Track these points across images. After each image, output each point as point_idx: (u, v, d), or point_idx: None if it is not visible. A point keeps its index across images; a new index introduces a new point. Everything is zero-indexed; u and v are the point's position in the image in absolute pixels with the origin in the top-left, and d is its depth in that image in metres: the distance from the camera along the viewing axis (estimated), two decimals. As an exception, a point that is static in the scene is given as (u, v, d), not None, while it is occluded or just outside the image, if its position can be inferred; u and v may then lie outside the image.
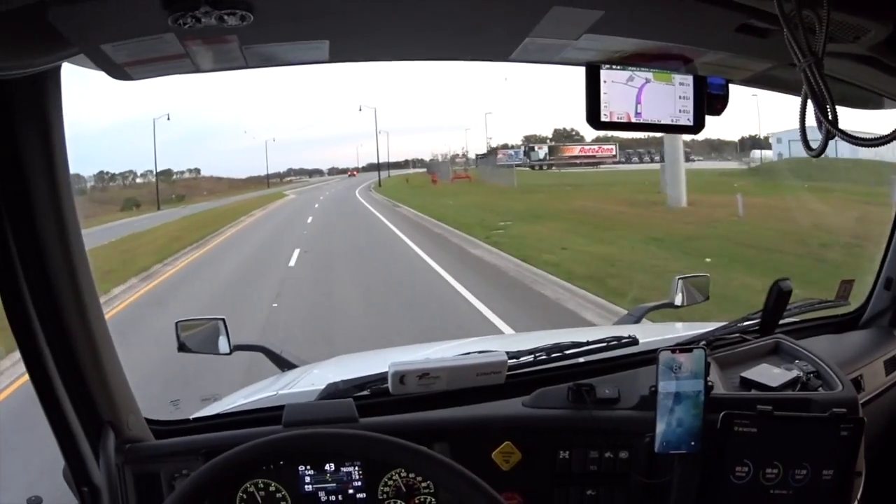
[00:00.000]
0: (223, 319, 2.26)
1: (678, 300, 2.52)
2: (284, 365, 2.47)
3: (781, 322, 2.13)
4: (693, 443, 1.63)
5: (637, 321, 2.62)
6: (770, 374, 1.84)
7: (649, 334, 2.20)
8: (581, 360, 1.94)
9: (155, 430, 1.74)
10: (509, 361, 1.78)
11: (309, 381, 2.11)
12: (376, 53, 1.68)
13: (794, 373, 1.84)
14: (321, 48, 1.52)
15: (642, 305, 2.67)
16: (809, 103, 1.25)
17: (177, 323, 2.24)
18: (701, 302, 2.55)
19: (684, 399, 1.63)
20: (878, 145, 1.26)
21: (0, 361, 7.25)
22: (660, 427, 1.63)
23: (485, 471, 1.59)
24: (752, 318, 2.11)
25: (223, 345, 2.25)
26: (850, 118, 1.60)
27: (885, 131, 1.22)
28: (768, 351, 2.01)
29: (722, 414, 1.61)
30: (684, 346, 1.65)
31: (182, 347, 2.23)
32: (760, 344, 2.01)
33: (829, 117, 1.24)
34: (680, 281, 2.52)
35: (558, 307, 9.22)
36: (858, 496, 1.80)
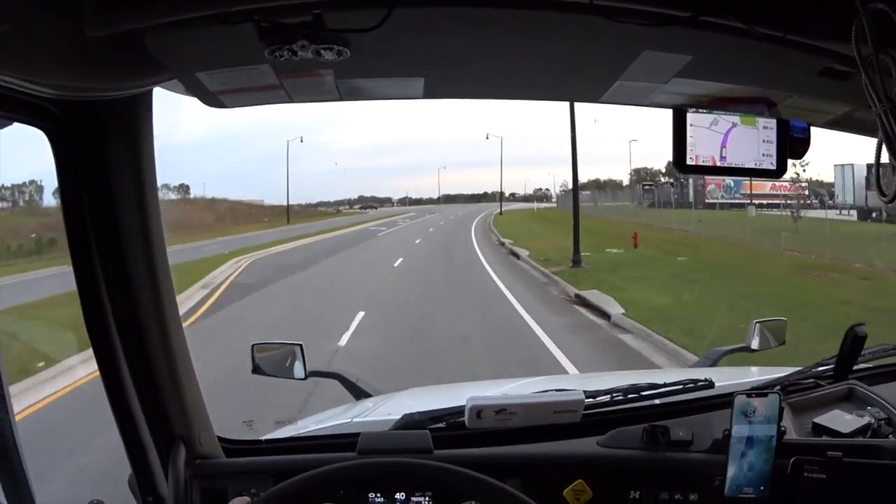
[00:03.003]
0: (300, 345, 2.28)
1: (755, 344, 2.51)
2: (360, 394, 2.49)
3: (856, 367, 2.12)
4: (763, 487, 1.63)
5: (713, 364, 2.60)
6: (842, 420, 1.84)
7: (725, 378, 2.20)
8: (657, 401, 1.95)
9: (226, 449, 1.78)
10: (586, 401, 1.79)
11: (385, 410, 2.14)
12: (470, 91, 1.70)
13: (866, 419, 1.83)
14: (416, 85, 1.55)
15: (718, 349, 2.65)
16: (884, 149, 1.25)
17: (253, 346, 2.27)
18: (776, 346, 2.54)
19: (757, 443, 1.63)
20: None
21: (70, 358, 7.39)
22: (731, 471, 1.63)
23: None
24: (826, 363, 2.10)
25: (298, 370, 2.27)
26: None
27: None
28: (841, 397, 2.01)
29: (792, 459, 1.61)
30: (759, 391, 1.66)
31: (256, 370, 2.26)
32: (834, 390, 2.01)
33: None
34: (757, 325, 2.50)
35: None
36: None
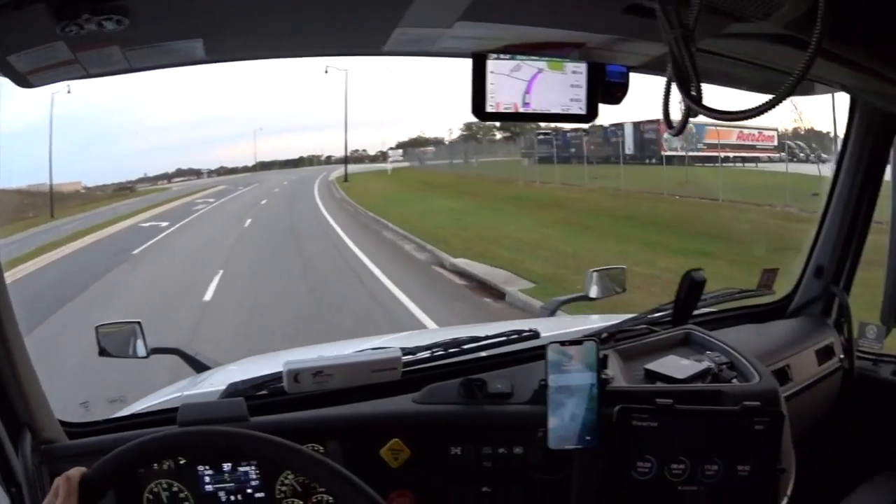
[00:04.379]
0: (139, 323, 2.27)
1: (593, 292, 2.47)
2: (199, 367, 2.49)
3: (699, 312, 2.08)
4: (589, 438, 1.60)
5: (552, 314, 2.57)
6: (677, 365, 1.79)
7: (558, 327, 2.16)
8: (482, 354, 1.92)
9: (68, 432, 1.78)
10: (405, 358, 1.76)
11: (215, 381, 2.13)
12: (250, 51, 1.69)
13: (705, 364, 1.80)
14: (196, 47, 1.54)
15: (556, 298, 2.63)
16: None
17: (97, 328, 2.24)
18: (619, 293, 2.50)
19: (576, 393, 1.59)
20: (740, 119, 1.22)
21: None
22: (552, 422, 1.60)
23: (374, 469, 1.62)
24: (663, 308, 2.06)
25: (140, 348, 2.25)
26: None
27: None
28: (677, 342, 1.97)
29: (618, 408, 1.57)
30: (576, 339, 1.62)
31: (103, 352, 2.24)
32: (669, 335, 1.97)
33: (693, 93, 1.21)
34: (594, 273, 2.47)
35: None
36: (789, 492, 1.73)
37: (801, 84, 2.04)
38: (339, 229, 17.69)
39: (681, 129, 1.26)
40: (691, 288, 2.01)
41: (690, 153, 24.00)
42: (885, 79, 1.79)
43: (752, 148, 26.35)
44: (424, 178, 34.85)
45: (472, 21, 1.48)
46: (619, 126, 26.68)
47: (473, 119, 1.61)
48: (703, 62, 1.68)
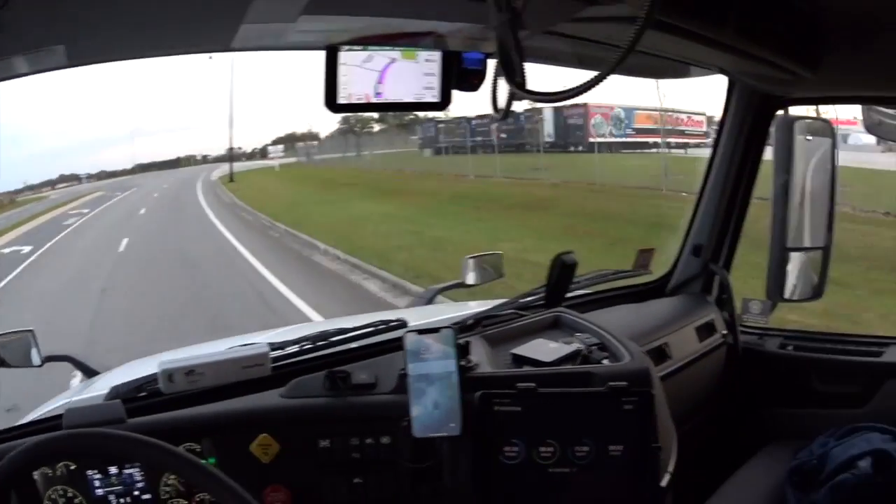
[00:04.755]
0: (31, 331, 2.24)
1: (470, 279, 2.48)
2: (90, 372, 2.48)
3: (572, 295, 2.09)
4: (453, 425, 1.60)
5: (429, 302, 2.59)
6: (545, 348, 1.81)
7: (428, 316, 2.18)
8: (354, 345, 1.93)
9: None
10: (274, 353, 1.76)
11: (100, 386, 2.12)
12: (109, 54, 1.67)
13: (574, 346, 1.81)
14: (58, 52, 1.52)
15: (432, 287, 2.65)
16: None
17: None
18: (496, 279, 2.52)
19: (437, 381, 1.60)
20: (564, 99, 1.22)
21: None
22: (415, 411, 1.60)
23: (246, 465, 1.62)
24: (536, 293, 2.08)
25: (35, 357, 2.23)
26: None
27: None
28: (547, 325, 1.99)
29: (479, 394, 1.58)
30: (433, 327, 1.63)
31: (1, 363, 2.22)
32: (538, 318, 1.98)
33: (517, 78, 1.21)
34: (470, 260, 2.49)
35: None
36: (670, 469, 1.75)
37: (677, 67, 2.09)
38: (248, 255, 12.91)
39: (505, 113, 1.27)
40: (562, 270, 2.02)
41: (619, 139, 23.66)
42: (760, 60, 1.82)
43: (681, 133, 25.10)
44: (322, 174, 31.67)
45: (316, 14, 1.48)
46: (535, 112, 24.80)
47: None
48: (545, 43, 1.71)
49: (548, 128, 25.48)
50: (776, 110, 2.33)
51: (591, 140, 23.24)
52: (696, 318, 2.33)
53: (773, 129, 2.30)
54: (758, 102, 2.30)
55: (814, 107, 2.46)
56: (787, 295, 2.36)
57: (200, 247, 14.41)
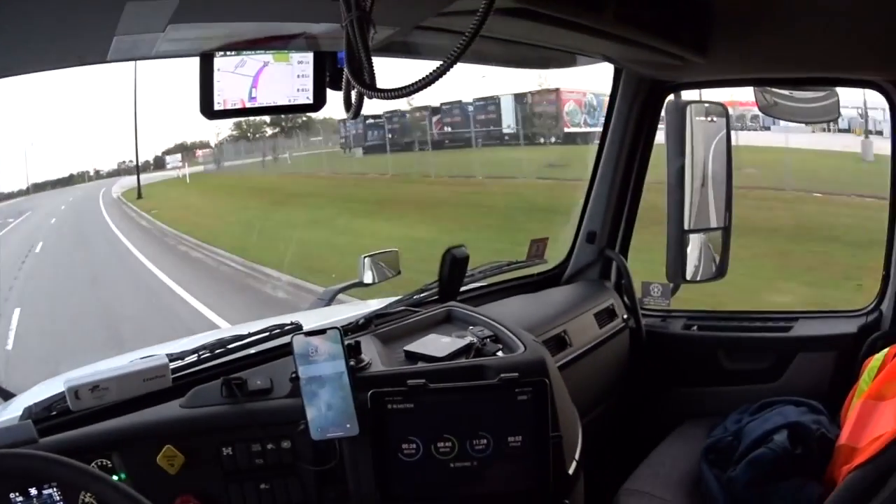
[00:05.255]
0: None
1: (367, 278, 2.49)
2: (6, 395, 2.43)
3: (467, 289, 2.10)
4: (349, 425, 1.60)
5: (328, 303, 2.59)
6: (437, 343, 1.81)
7: (323, 317, 2.17)
8: (252, 350, 1.91)
9: None
10: (174, 364, 1.74)
11: (15, 408, 2.08)
12: None
13: (467, 340, 1.81)
14: None
15: (331, 288, 2.65)
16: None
17: None
18: (393, 276, 2.53)
19: (328, 382, 1.59)
20: (408, 94, 1.22)
21: None
22: (310, 413, 1.60)
23: (154, 477, 1.60)
24: (429, 288, 2.09)
25: None
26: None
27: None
28: (439, 320, 2.00)
29: (370, 393, 1.59)
30: (319, 329, 1.62)
31: None
32: (430, 314, 1.99)
33: (366, 77, 1.21)
34: (366, 259, 2.49)
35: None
36: (577, 456, 1.77)
37: (563, 56, 2.11)
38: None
39: (356, 112, 1.27)
40: (453, 264, 2.03)
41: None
42: (646, 47, 1.85)
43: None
44: (247, 182, 27.54)
45: (185, 23, 1.46)
46: (489, 101, 21.44)
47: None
48: (439, 40, 1.71)
49: (506, 118, 21.88)
50: (667, 95, 2.37)
51: (566, 130, 20.38)
52: (594, 304, 2.36)
53: (664, 114, 2.34)
54: (647, 88, 2.34)
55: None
56: (689, 276, 2.41)
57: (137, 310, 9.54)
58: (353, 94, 1.28)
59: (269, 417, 1.69)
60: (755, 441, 2.11)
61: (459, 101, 21.90)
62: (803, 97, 2.46)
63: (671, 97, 2.38)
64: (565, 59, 2.13)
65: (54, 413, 1.74)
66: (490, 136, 21.71)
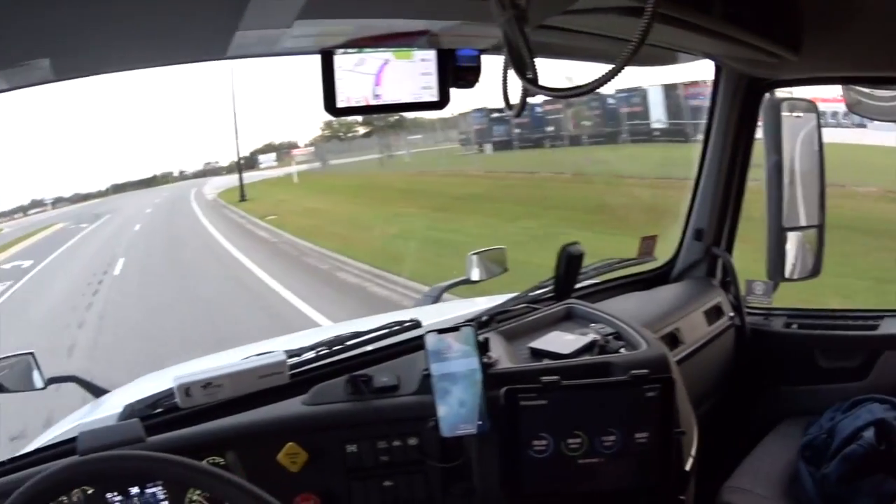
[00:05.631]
0: (32, 353, 2.17)
1: (475, 275, 2.49)
2: (97, 392, 2.43)
3: (580, 286, 2.10)
4: (480, 422, 1.59)
5: (436, 301, 2.59)
6: (562, 341, 1.81)
7: (440, 314, 2.17)
8: (368, 348, 1.91)
9: None
10: (291, 360, 1.74)
11: (112, 405, 2.07)
12: (97, 67, 1.64)
13: (590, 337, 1.81)
14: (43, 66, 1.50)
15: (438, 285, 2.65)
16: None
17: None
18: (500, 274, 2.52)
19: (460, 379, 1.59)
20: (577, 95, 1.22)
21: None
22: (441, 410, 1.59)
23: (275, 475, 1.60)
24: (545, 285, 2.08)
25: (37, 379, 2.16)
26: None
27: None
28: (560, 318, 1.99)
29: (504, 390, 1.57)
30: (453, 326, 1.62)
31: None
32: (551, 311, 1.99)
33: (529, 75, 1.21)
34: (474, 257, 2.49)
35: None
36: (693, 453, 1.76)
37: (664, 54, 2.11)
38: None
39: (520, 110, 1.27)
40: (569, 262, 2.02)
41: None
42: (748, 45, 1.84)
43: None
44: (383, 182, 23.43)
45: (311, 19, 1.46)
46: (632, 92, 18.45)
47: (329, 118, 1.56)
48: (552, 37, 1.71)
49: (655, 111, 18.60)
50: (763, 93, 2.37)
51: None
52: (703, 302, 2.36)
53: (761, 111, 2.34)
54: (745, 86, 2.34)
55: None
56: (787, 274, 2.40)
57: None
58: (517, 91, 1.27)
59: (396, 414, 1.69)
60: (846, 438, 2.13)
61: (599, 94, 18.03)
62: (886, 95, 2.44)
63: (766, 95, 2.38)
64: (666, 56, 2.13)
65: (159, 410, 1.75)
66: (636, 132, 18.83)
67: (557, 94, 1.21)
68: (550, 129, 21.55)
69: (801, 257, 2.41)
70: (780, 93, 2.41)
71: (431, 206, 16.21)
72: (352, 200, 20.33)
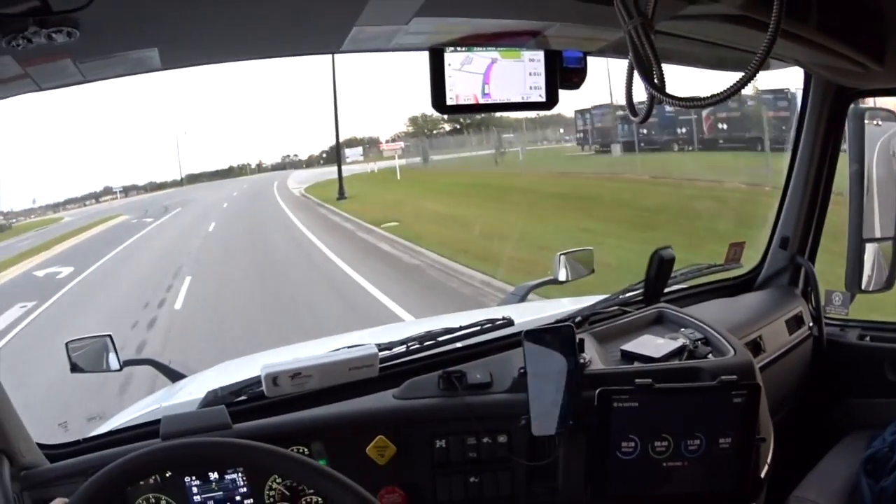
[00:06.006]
0: (110, 336, 2.24)
1: (562, 276, 2.50)
2: (174, 376, 2.47)
3: (669, 290, 2.11)
4: (572, 422, 1.61)
5: (522, 300, 2.60)
6: (653, 344, 1.82)
7: (530, 313, 2.18)
8: (458, 345, 1.92)
9: (48, 455, 1.74)
10: (382, 353, 1.76)
11: (192, 390, 2.10)
12: (207, 56, 1.66)
13: (680, 342, 1.82)
14: (152, 56, 1.52)
15: (525, 284, 2.67)
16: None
17: (66, 343, 2.21)
18: (586, 275, 2.54)
19: (556, 379, 1.61)
20: (705, 106, 1.23)
21: None
22: (534, 409, 1.61)
23: (361, 467, 1.62)
24: (634, 288, 2.09)
25: (113, 361, 2.22)
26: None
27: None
28: (651, 321, 2.01)
29: (598, 391, 1.59)
30: (551, 325, 1.63)
31: (74, 368, 2.21)
32: (642, 315, 2.00)
33: (656, 81, 1.21)
34: (562, 257, 2.51)
35: None
36: (769, 461, 1.77)
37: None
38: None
39: (646, 116, 1.28)
40: (661, 266, 2.04)
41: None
42: (836, 54, 1.84)
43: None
44: (512, 184, 19.11)
45: (428, 17, 1.48)
46: (779, 94, 15.75)
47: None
48: (658, 42, 1.72)
49: None
50: (850, 102, 2.35)
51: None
52: (785, 310, 2.36)
53: (847, 121, 2.33)
54: (833, 95, 2.32)
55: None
56: (863, 286, 2.39)
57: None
58: (645, 97, 1.28)
59: (487, 411, 1.70)
60: None
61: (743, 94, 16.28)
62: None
63: (851, 105, 2.36)
64: (774, 63, 2.13)
65: (244, 398, 1.78)
66: (781, 140, 15.32)
67: (684, 103, 1.21)
68: (682, 130, 20.02)
69: (877, 269, 2.39)
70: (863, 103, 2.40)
71: (620, 219, 12.34)
72: (486, 204, 16.32)
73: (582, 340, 1.73)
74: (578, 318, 1.96)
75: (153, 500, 1.61)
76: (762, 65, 1.14)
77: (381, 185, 22.58)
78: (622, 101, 1.33)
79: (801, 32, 1.64)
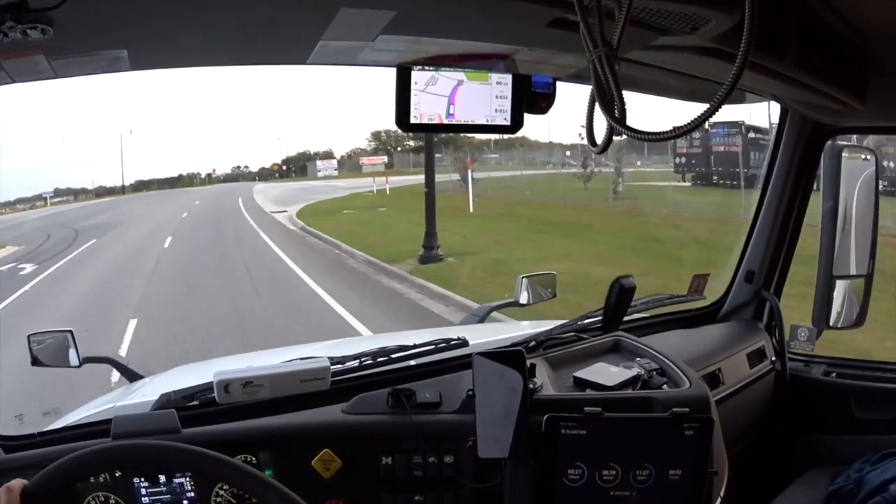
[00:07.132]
0: (70, 331, 2.24)
1: (523, 298, 2.51)
2: (132, 376, 2.47)
3: (629, 318, 2.11)
4: (518, 447, 1.60)
5: (481, 320, 2.61)
6: (607, 372, 1.82)
7: (487, 335, 2.18)
8: (411, 363, 1.93)
9: (3, 446, 1.76)
10: (334, 367, 1.77)
11: (147, 391, 2.11)
12: (175, 60, 1.68)
13: (634, 371, 1.82)
14: (121, 56, 1.53)
15: (486, 305, 2.67)
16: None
17: (29, 336, 2.22)
18: (548, 299, 2.54)
19: (504, 402, 1.60)
20: (667, 139, 1.23)
21: None
22: (480, 431, 1.60)
23: (306, 479, 1.62)
24: (594, 315, 2.09)
25: (73, 357, 2.23)
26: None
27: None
28: (607, 349, 2.00)
29: (545, 416, 1.58)
30: (502, 348, 1.63)
31: (35, 361, 2.22)
32: (598, 342, 2.00)
33: (616, 113, 1.21)
34: (524, 280, 2.51)
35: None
36: (722, 493, 1.77)
37: (733, 94, 2.11)
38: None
39: (604, 147, 1.28)
40: (620, 294, 2.04)
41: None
42: (815, 90, 1.84)
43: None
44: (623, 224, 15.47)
45: (395, 35, 1.48)
46: None
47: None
48: (630, 70, 1.73)
49: None
50: (826, 139, 2.36)
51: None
52: (747, 344, 2.36)
53: (822, 157, 2.33)
54: (809, 131, 2.33)
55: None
56: (831, 322, 2.39)
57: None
58: (603, 128, 1.28)
59: (435, 431, 1.71)
60: (872, 490, 2.09)
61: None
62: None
63: (829, 142, 2.37)
64: (736, 95, 2.13)
65: (195, 403, 1.79)
66: None
67: (643, 136, 1.21)
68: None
69: (846, 307, 2.40)
70: (842, 140, 2.40)
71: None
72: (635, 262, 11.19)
73: (534, 365, 1.73)
74: (533, 343, 1.96)
75: (103, 499, 1.61)
76: (726, 98, 1.15)
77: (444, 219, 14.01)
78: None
79: (777, 68, 1.65)
